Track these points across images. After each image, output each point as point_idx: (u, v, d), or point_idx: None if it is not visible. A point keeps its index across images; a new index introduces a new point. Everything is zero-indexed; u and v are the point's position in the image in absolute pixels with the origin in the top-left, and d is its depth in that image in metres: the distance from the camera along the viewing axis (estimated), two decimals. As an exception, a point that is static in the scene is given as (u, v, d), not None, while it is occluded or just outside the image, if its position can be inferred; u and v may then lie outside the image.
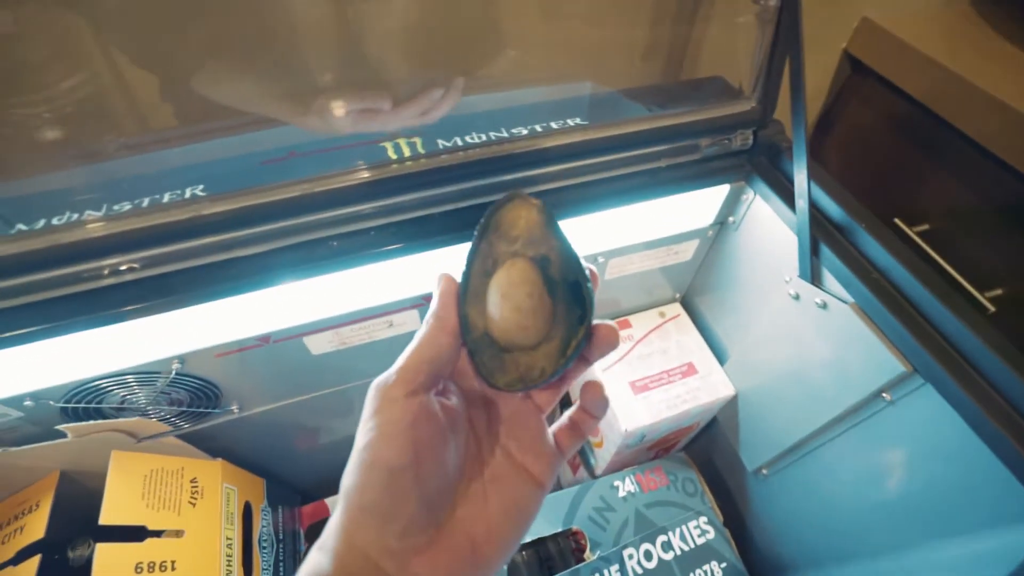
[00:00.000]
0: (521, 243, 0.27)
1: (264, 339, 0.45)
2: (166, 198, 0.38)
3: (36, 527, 0.44)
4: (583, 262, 0.26)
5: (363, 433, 0.23)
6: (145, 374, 0.43)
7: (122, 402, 0.45)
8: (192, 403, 0.48)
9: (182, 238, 0.37)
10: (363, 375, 0.54)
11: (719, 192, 0.50)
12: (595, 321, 0.26)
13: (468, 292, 0.26)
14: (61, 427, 0.42)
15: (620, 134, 0.43)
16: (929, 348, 0.36)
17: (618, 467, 0.64)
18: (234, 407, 0.51)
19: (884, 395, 0.40)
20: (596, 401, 0.27)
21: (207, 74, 0.38)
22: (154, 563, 0.42)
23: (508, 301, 0.25)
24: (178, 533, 0.45)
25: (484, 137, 0.43)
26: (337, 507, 0.23)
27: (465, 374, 0.28)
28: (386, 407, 0.23)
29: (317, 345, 0.48)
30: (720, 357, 0.61)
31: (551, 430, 0.28)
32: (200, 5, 0.35)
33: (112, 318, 0.37)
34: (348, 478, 0.23)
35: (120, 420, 0.45)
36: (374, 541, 0.22)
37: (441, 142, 0.42)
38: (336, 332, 0.47)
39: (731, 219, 0.53)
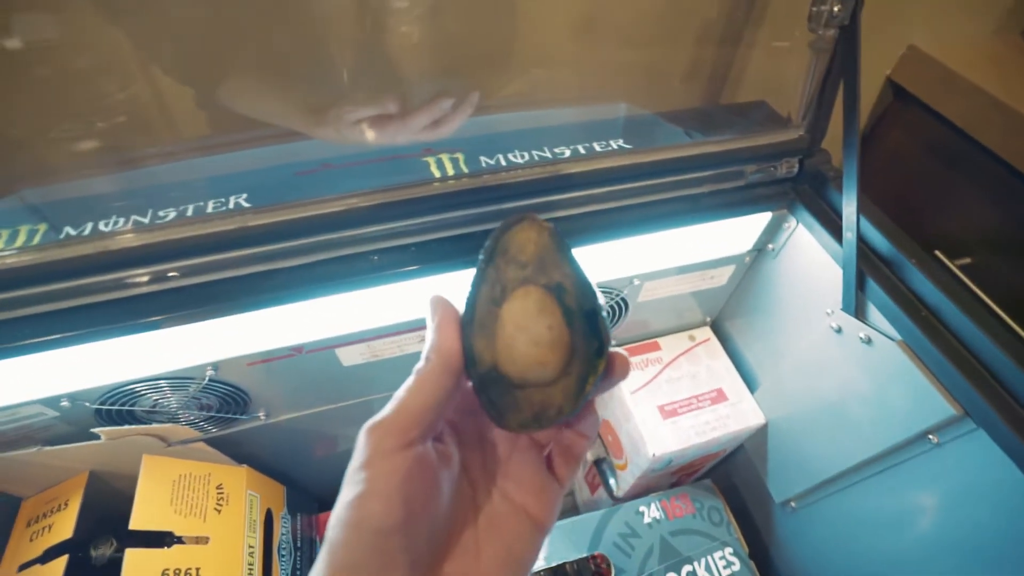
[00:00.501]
0: (531, 269, 0.24)
1: (297, 349, 0.44)
2: (209, 207, 0.38)
3: (64, 526, 0.44)
4: (596, 289, 0.24)
5: (350, 484, 0.20)
6: (179, 379, 0.43)
7: (154, 406, 0.45)
8: (221, 408, 0.48)
9: (224, 248, 0.37)
10: (390, 387, 0.53)
11: (760, 219, 0.49)
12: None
13: (474, 321, 0.24)
14: (96, 430, 0.43)
15: (667, 159, 0.43)
16: (983, 391, 0.35)
17: (640, 491, 0.63)
18: (261, 414, 0.51)
19: (930, 437, 0.39)
20: (589, 418, 0.25)
21: (228, 87, 0.38)
22: (180, 569, 0.42)
23: (525, 334, 0.23)
24: (204, 540, 0.45)
25: (527, 156, 0.42)
26: (320, 559, 0.20)
27: (459, 410, 0.25)
28: (378, 460, 0.20)
29: (348, 357, 0.47)
30: (750, 384, 0.60)
31: None
32: (212, 20, 0.35)
33: (151, 325, 0.37)
34: (333, 532, 0.20)
35: (153, 425, 0.45)
36: None
37: (484, 159, 0.42)
38: (368, 345, 0.47)
39: (770, 246, 0.52)
